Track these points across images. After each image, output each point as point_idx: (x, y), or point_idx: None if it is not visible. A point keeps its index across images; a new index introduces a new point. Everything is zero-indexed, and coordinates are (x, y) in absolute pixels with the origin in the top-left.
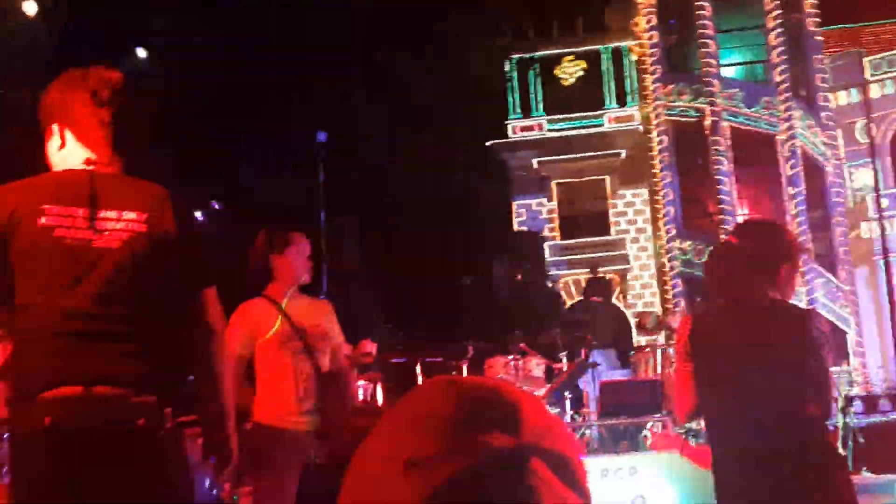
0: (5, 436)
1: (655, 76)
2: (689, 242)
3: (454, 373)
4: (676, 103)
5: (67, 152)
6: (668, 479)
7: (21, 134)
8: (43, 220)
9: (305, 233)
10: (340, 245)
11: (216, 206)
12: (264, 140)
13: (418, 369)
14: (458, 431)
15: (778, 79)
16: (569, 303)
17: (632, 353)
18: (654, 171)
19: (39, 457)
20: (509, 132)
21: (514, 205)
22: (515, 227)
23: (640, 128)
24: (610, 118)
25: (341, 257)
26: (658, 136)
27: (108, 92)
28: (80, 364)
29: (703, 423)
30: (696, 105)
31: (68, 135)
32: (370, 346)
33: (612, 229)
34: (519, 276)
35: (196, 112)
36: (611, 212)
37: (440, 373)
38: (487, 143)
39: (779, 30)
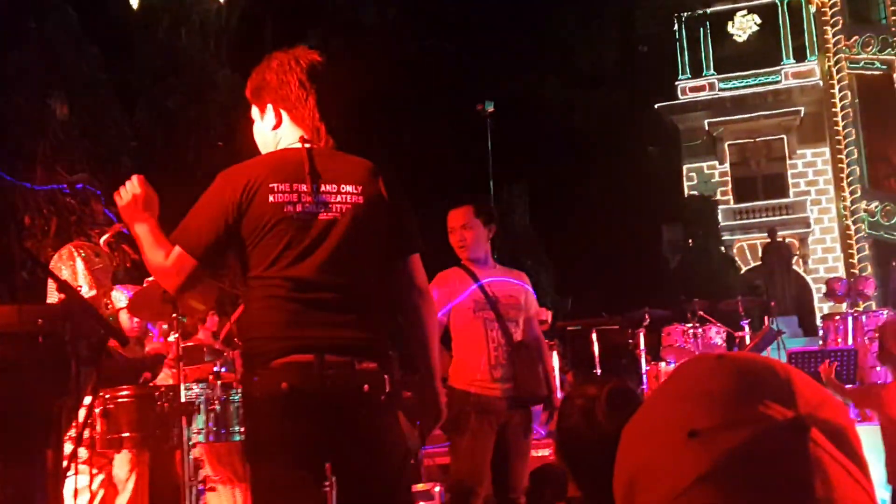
0: (233, 398)
1: (837, 28)
2: (876, 203)
3: (630, 341)
4: (861, 56)
5: (283, 131)
6: (870, 453)
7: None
8: (272, 197)
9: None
10: (510, 213)
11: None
12: (433, 110)
13: (594, 336)
14: (737, 403)
15: None
16: (744, 268)
17: (819, 319)
18: (836, 128)
19: (276, 419)
20: (678, 93)
21: (685, 168)
22: (686, 192)
23: (821, 83)
24: (787, 74)
25: (512, 225)
26: (841, 91)
27: (316, 73)
28: (310, 332)
29: None
30: (883, 57)
31: (284, 115)
32: (545, 314)
33: (791, 191)
34: (690, 242)
35: (365, 86)
36: (789, 172)
37: (617, 340)
38: (656, 106)
39: None
